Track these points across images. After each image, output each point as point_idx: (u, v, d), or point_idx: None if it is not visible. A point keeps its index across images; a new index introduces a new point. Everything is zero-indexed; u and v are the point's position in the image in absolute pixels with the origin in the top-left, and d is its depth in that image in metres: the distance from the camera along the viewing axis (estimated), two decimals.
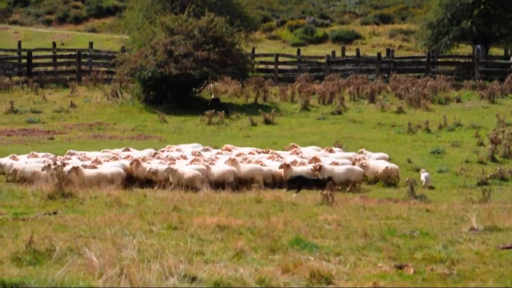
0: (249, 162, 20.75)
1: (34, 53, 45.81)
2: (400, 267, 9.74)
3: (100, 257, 9.11)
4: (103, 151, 22.64)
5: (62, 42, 59.11)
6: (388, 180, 20.73)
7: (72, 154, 21.84)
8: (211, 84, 36.66)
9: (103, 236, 11.09)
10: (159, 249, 10.04)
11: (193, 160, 20.70)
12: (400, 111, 35.02)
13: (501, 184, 20.95)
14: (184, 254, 9.83)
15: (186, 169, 19.58)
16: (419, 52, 52.19)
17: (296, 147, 23.15)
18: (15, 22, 69.40)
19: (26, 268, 9.21)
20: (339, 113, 35.01)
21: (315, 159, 20.69)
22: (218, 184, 19.34)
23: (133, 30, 45.11)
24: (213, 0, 47.55)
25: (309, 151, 22.70)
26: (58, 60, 46.02)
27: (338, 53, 49.67)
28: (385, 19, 67.94)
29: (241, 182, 19.84)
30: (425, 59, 44.75)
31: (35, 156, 21.23)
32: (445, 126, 30.68)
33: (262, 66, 45.56)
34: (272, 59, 46.03)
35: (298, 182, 19.24)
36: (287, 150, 22.96)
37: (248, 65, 40.84)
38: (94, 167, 19.73)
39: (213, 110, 33.27)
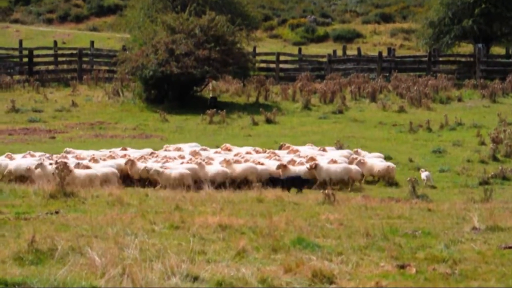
0: (246, 161, 20.71)
1: (35, 52, 45.81)
2: (402, 267, 9.73)
3: (102, 256, 9.10)
4: (100, 151, 22.56)
5: (63, 41, 59.09)
6: (387, 179, 20.78)
7: (68, 153, 21.79)
8: (210, 84, 36.66)
9: (105, 235, 11.07)
10: (161, 248, 10.03)
11: (189, 160, 20.69)
12: (401, 110, 35.01)
13: (502, 183, 20.97)
14: (186, 253, 9.81)
15: (174, 169, 19.52)
16: (420, 51, 52.12)
17: (289, 147, 23.14)
18: (16, 21, 69.32)
19: (28, 268, 9.19)
20: (340, 112, 35.00)
21: (311, 159, 20.69)
22: (219, 184, 19.37)
23: (134, 29, 45.05)
24: None
25: (305, 150, 22.69)
26: (59, 59, 46.08)
27: (339, 52, 49.62)
28: (386, 18, 67.88)
29: (235, 182, 19.79)
30: (426, 58, 44.75)
31: (32, 156, 20.98)
32: (446, 125, 30.67)
33: (263, 65, 45.53)
34: (273, 58, 46.01)
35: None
36: (283, 150, 22.99)
37: (249, 64, 40.86)
38: (88, 167, 19.60)
39: (215, 109, 33.28)
